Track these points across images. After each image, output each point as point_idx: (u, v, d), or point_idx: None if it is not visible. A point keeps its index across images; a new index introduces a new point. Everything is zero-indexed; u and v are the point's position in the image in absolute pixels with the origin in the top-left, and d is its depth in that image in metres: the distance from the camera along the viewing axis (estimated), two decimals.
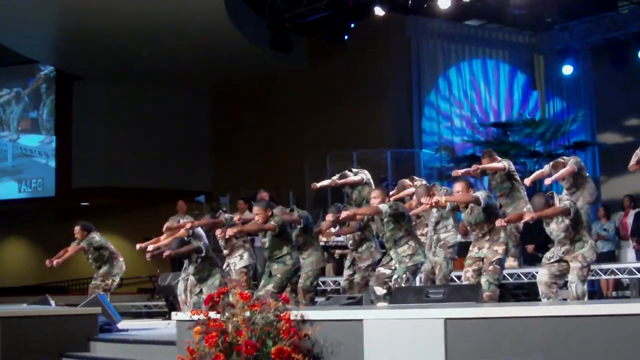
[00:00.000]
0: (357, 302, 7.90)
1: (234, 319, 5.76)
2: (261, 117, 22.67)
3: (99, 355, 8.36)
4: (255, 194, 13.35)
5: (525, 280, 10.82)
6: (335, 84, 21.17)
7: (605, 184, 19.73)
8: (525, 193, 10.68)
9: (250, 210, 11.01)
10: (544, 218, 7.96)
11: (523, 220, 8.18)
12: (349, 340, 5.75)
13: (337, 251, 12.07)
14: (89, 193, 23.63)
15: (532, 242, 12.11)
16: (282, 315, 5.82)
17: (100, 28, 18.73)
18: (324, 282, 12.25)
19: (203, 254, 9.82)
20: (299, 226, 9.65)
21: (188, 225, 10.41)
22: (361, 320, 5.74)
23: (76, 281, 24.15)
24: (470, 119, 20.76)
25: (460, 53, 21.10)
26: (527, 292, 11.70)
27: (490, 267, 8.17)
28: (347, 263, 10.25)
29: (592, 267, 8.90)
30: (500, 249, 8.21)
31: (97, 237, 11.78)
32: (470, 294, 6.42)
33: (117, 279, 11.97)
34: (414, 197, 9.88)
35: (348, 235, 10.07)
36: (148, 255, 10.76)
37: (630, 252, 13.48)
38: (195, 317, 5.90)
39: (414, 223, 9.35)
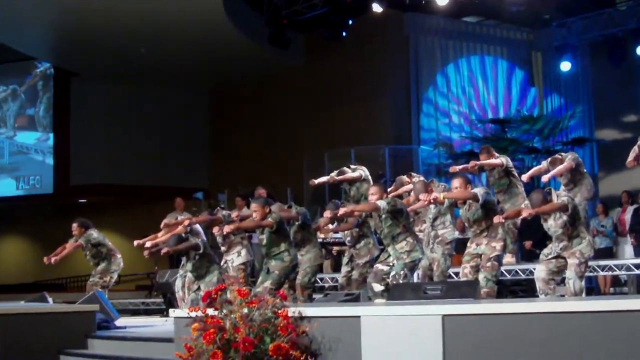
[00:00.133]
0: (354, 299, 7.92)
1: (232, 315, 5.77)
2: (259, 115, 22.67)
3: (97, 353, 8.36)
4: (252, 191, 13.36)
5: (523, 276, 10.83)
6: (333, 81, 21.17)
7: (603, 180, 19.73)
8: (523, 189, 10.69)
9: (248, 207, 11.01)
10: (542, 214, 7.96)
11: (521, 217, 8.18)
12: (346, 336, 5.76)
13: (335, 248, 12.09)
14: (86, 190, 23.63)
15: (529, 238, 12.13)
16: (279, 312, 5.83)
17: (99, 26, 18.73)
18: (321, 279, 12.26)
19: (201, 251, 9.81)
20: (297, 223, 9.63)
21: (186, 222, 10.39)
22: (359, 316, 5.75)
23: (74, 278, 24.17)
24: (468, 116, 20.75)
25: (458, 50, 21.09)
26: (524, 289, 11.68)
27: (488, 264, 8.17)
28: (345, 259, 10.23)
29: (590, 263, 8.90)
30: (498, 245, 8.21)
31: (95, 234, 11.76)
32: (468, 290, 6.43)
33: (115, 276, 11.95)
34: (412, 194, 9.87)
35: (346, 232, 10.06)
36: (146, 252, 10.76)
37: (628, 248, 13.50)
38: (193, 314, 5.91)
39: (412, 219, 9.34)
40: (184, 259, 10.23)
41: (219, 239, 10.64)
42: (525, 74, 21.41)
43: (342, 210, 8.51)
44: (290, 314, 5.85)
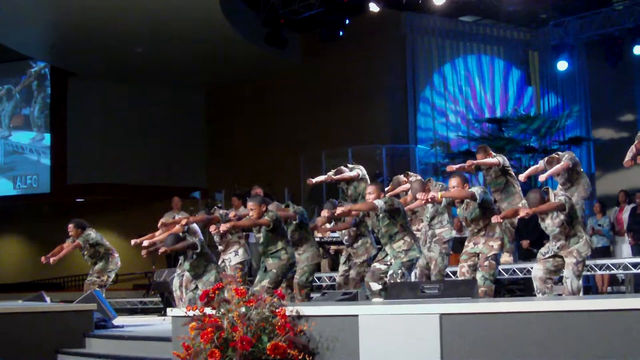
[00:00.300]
0: (352, 298, 7.92)
1: (230, 314, 5.77)
2: (256, 114, 22.68)
3: (95, 352, 8.36)
4: (249, 190, 13.35)
5: (521, 275, 10.84)
6: (330, 80, 21.18)
7: (600, 180, 19.76)
8: (520, 188, 10.70)
9: (245, 206, 11.00)
10: (539, 214, 7.97)
11: (518, 216, 8.18)
12: (344, 335, 5.76)
13: (333, 247, 12.07)
14: (84, 190, 23.62)
15: (527, 237, 12.14)
16: (277, 311, 5.83)
17: (96, 26, 18.73)
18: (319, 278, 12.27)
19: (198, 250, 9.81)
20: (294, 222, 9.63)
21: (183, 222, 10.38)
22: (356, 315, 5.75)
23: (72, 277, 24.16)
24: (465, 115, 20.77)
25: (455, 49, 21.10)
26: (522, 288, 11.71)
27: (486, 263, 8.18)
28: (342, 259, 10.24)
29: (587, 262, 8.91)
30: (495, 244, 8.22)
31: (92, 234, 11.75)
32: (465, 289, 6.43)
33: (113, 275, 11.95)
34: (409, 193, 9.87)
35: (343, 231, 10.06)
36: (144, 252, 10.74)
37: (625, 247, 13.54)
38: (191, 313, 5.91)
39: (409, 219, 9.34)
40: (181, 258, 10.22)
41: (216, 238, 10.64)
42: (522, 74, 21.43)
43: (339, 210, 8.50)
44: (288, 313, 5.85)
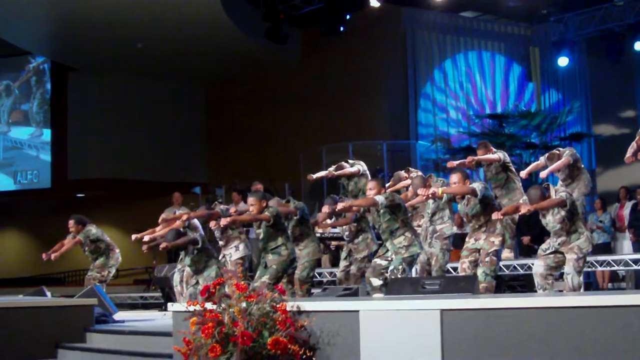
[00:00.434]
0: (353, 293, 7.93)
1: (230, 310, 5.77)
2: (256, 109, 22.67)
3: (95, 347, 8.36)
4: (249, 186, 13.36)
5: (521, 271, 10.84)
6: (330, 75, 21.17)
7: (601, 176, 19.76)
8: (521, 184, 10.71)
9: (245, 201, 11.01)
10: (540, 210, 7.97)
11: (519, 213, 8.18)
12: (345, 331, 5.76)
13: (333, 242, 12.08)
14: (84, 185, 23.61)
15: (527, 233, 12.13)
16: (278, 306, 5.83)
17: (96, 20, 18.70)
18: (320, 274, 12.26)
19: (199, 245, 9.81)
20: (295, 217, 9.64)
21: (184, 217, 10.41)
22: (357, 311, 5.75)
23: (72, 272, 24.17)
24: (465, 111, 20.77)
25: (456, 45, 21.09)
26: (523, 284, 11.71)
27: (487, 259, 8.18)
28: (343, 254, 10.25)
29: (588, 258, 8.90)
30: (496, 240, 8.21)
31: (93, 229, 11.77)
32: (466, 285, 6.42)
33: (113, 270, 11.98)
34: (410, 189, 9.87)
35: (344, 227, 10.06)
36: (144, 247, 10.76)
37: (626, 244, 13.52)
38: (192, 308, 5.91)
39: (410, 214, 9.35)
40: (182, 254, 10.23)
41: (217, 233, 10.67)
42: (522, 69, 21.42)
43: (340, 205, 8.50)
44: (288, 308, 5.85)
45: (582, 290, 8.01)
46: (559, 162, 10.46)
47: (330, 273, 12.19)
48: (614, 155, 14.63)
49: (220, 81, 23.63)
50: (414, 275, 9.28)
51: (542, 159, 10.91)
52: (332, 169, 10.78)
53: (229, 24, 19.01)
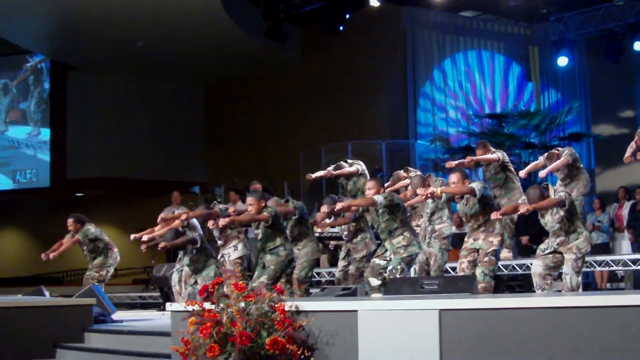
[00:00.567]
0: (351, 293, 7.90)
1: (229, 309, 5.76)
2: (256, 109, 22.67)
3: (94, 346, 8.36)
4: (247, 185, 13.35)
5: (520, 271, 10.83)
6: (329, 75, 21.16)
7: (600, 176, 19.76)
8: (520, 184, 10.70)
9: (243, 201, 11.01)
10: (539, 210, 7.96)
11: (518, 213, 8.18)
12: (343, 331, 5.75)
13: (332, 242, 12.07)
14: (83, 184, 23.62)
15: (526, 233, 12.13)
16: (276, 306, 5.82)
17: (96, 19, 18.72)
18: (318, 273, 12.25)
19: (198, 245, 9.81)
20: (294, 217, 9.63)
21: (183, 216, 10.40)
22: (356, 311, 5.74)
23: (71, 272, 24.18)
24: (465, 110, 20.76)
25: (456, 44, 21.08)
26: (521, 284, 11.71)
27: (486, 259, 8.17)
28: (341, 254, 10.23)
29: (587, 258, 8.91)
30: (495, 240, 8.21)
31: (92, 228, 11.77)
32: (465, 285, 6.42)
33: (112, 270, 11.96)
34: (409, 188, 9.86)
35: (343, 227, 10.04)
36: (143, 247, 10.75)
37: (625, 244, 13.51)
38: (190, 308, 5.90)
39: (409, 214, 9.34)
40: (181, 253, 10.22)
41: (215, 233, 10.67)
42: (522, 69, 21.41)
43: (339, 205, 8.49)
44: (287, 308, 5.84)
45: (580, 290, 8.01)
46: (558, 161, 10.46)
47: (329, 273, 12.19)
48: (613, 155, 14.61)
49: (220, 80, 23.64)
50: (412, 275, 9.28)
51: (541, 159, 10.92)
52: (331, 168, 10.76)
53: (229, 23, 19.01)
